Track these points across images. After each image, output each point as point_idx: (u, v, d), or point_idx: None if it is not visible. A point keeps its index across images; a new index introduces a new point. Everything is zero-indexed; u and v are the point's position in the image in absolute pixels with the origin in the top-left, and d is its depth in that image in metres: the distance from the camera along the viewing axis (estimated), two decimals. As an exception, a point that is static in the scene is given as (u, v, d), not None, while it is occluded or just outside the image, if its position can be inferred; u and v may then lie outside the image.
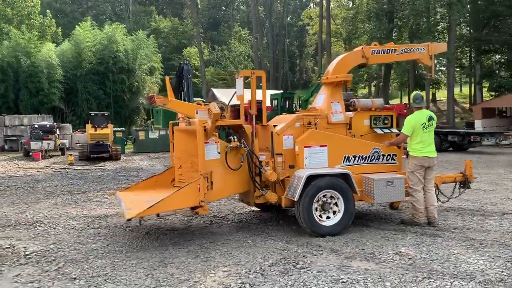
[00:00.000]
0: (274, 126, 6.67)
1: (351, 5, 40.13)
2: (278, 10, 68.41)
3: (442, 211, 7.46)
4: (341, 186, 6.13)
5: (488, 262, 4.94)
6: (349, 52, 7.39)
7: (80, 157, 19.31)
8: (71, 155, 18.47)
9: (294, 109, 23.78)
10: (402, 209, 7.80)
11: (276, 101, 24.27)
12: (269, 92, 27.36)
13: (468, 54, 42.40)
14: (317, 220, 6.03)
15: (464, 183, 7.59)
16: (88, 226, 6.90)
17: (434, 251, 5.35)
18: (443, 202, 7.51)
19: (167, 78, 7.48)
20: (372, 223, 6.84)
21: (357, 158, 6.61)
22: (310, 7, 68.40)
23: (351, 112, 7.13)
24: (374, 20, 34.24)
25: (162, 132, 24.08)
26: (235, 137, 6.12)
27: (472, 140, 20.95)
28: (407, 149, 6.74)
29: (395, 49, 7.41)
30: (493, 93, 40.55)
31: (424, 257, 5.12)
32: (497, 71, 39.75)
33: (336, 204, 6.16)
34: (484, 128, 27.29)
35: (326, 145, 6.45)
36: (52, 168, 16.26)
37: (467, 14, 38.06)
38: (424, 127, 6.53)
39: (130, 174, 14.24)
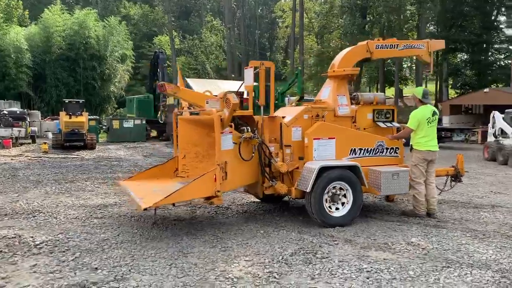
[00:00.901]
0: (283, 117, 6.70)
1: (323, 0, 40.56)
2: (249, 1, 68.09)
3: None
4: (350, 178, 6.25)
5: (497, 252, 5.18)
6: (354, 46, 7.50)
7: (54, 145, 18.73)
8: (45, 143, 17.90)
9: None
10: (398, 202, 8.03)
11: (253, 93, 24.14)
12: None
13: (435, 52, 43.66)
14: (327, 211, 6.14)
15: (456, 177, 7.87)
16: (91, 215, 6.74)
17: (443, 241, 5.56)
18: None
19: (177, 66, 7.36)
20: (374, 214, 7.01)
21: (362, 151, 6.74)
22: (282, 0, 68.38)
23: (353, 106, 7.25)
24: (348, 15, 34.71)
25: (137, 122, 23.66)
26: (248, 127, 6.10)
27: (443, 135, 21.67)
28: (411, 143, 6.93)
29: (397, 45, 7.58)
30: (458, 91, 42.05)
31: (437, 247, 5.31)
32: (462, 70, 41.14)
33: (344, 195, 6.28)
34: (451, 124, 28.25)
35: (334, 138, 6.54)
36: (26, 156, 15.71)
37: (432, 13, 39.13)
38: (428, 121, 6.73)
39: (111, 164, 13.95)
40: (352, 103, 7.29)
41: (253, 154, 6.18)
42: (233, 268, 4.60)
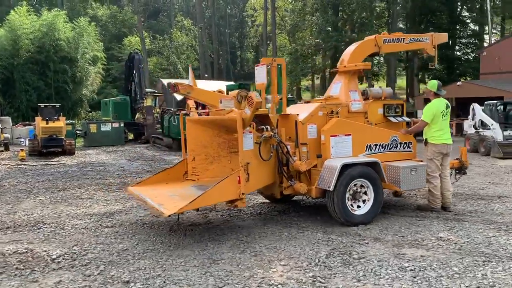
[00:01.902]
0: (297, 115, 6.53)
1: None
2: (219, 0, 67.57)
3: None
4: (371, 175, 6.14)
5: (528, 243, 5.17)
6: (363, 41, 7.39)
7: (31, 152, 17.92)
8: (22, 150, 17.10)
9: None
10: (406, 196, 7.99)
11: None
12: (225, 84, 27.02)
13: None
14: (350, 209, 6.01)
15: (461, 169, 7.90)
16: (100, 225, 6.38)
17: (471, 235, 5.51)
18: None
19: (189, 65, 7.06)
20: (390, 210, 6.93)
21: (378, 147, 6.65)
22: (251, -1, 68.19)
23: (363, 101, 7.15)
24: (321, 12, 34.87)
25: (115, 125, 22.98)
26: (267, 127, 5.88)
27: (422, 128, 22.01)
28: (425, 137, 6.89)
29: (403, 39, 7.55)
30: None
31: (467, 241, 5.26)
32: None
33: (365, 193, 6.17)
34: (426, 117, 28.71)
35: (350, 134, 6.42)
36: (4, 165, 14.95)
37: (402, 9, 39.85)
38: (443, 114, 6.70)
39: (97, 169, 13.42)
40: (361, 99, 7.20)
41: (271, 154, 5.98)
42: (272, 274, 4.39)
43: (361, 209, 6.12)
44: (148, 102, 24.98)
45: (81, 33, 32.20)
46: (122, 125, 23.18)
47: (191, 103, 6.94)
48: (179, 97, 30.13)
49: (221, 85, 30.60)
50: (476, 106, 17.81)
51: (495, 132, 16.05)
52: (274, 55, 43.60)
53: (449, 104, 6.89)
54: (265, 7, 46.32)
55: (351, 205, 6.06)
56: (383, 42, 7.27)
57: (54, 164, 15.09)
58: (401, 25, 45.37)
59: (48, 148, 17.94)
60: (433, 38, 7.78)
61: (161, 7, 65.56)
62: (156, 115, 25.00)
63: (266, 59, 6.58)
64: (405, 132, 6.91)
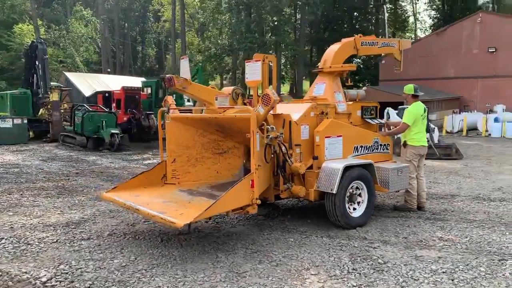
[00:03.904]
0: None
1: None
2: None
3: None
4: (366, 176, 6.11)
5: (519, 239, 5.51)
6: (343, 42, 7.35)
7: None
8: None
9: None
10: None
11: (150, 89, 22.53)
12: (140, 80, 25.71)
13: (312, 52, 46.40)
14: (349, 212, 5.91)
15: (418, 170, 8.27)
16: (73, 237, 5.48)
17: (466, 234, 5.72)
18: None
19: (184, 56, 6.35)
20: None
21: (363, 148, 6.66)
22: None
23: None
24: (235, 12, 34.86)
25: (17, 121, 20.53)
26: (273, 126, 5.52)
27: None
28: (404, 139, 7.06)
29: (377, 42, 7.68)
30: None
31: (468, 241, 5.44)
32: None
33: (359, 195, 6.12)
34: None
35: (341, 135, 6.33)
36: None
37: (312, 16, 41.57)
38: (422, 118, 6.92)
39: (13, 172, 11.76)
40: (340, 100, 7.17)
41: (272, 155, 5.65)
42: (312, 285, 4.10)
43: (357, 211, 6.06)
44: (54, 96, 22.71)
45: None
46: (25, 121, 20.81)
47: (170, 99, 6.29)
48: (87, 92, 28.07)
49: (131, 80, 29.02)
50: (390, 110, 19.02)
51: (410, 134, 17.28)
52: (183, 52, 42.74)
53: (426, 108, 7.14)
54: (173, 3, 45.22)
55: (348, 207, 5.97)
56: (361, 45, 7.33)
57: (-48, 166, 12.96)
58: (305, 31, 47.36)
59: None
60: (399, 44, 8.04)
61: (55, -6, 60.42)
62: (62, 110, 22.90)
63: (258, 55, 6.22)
64: (386, 134, 7.02)
